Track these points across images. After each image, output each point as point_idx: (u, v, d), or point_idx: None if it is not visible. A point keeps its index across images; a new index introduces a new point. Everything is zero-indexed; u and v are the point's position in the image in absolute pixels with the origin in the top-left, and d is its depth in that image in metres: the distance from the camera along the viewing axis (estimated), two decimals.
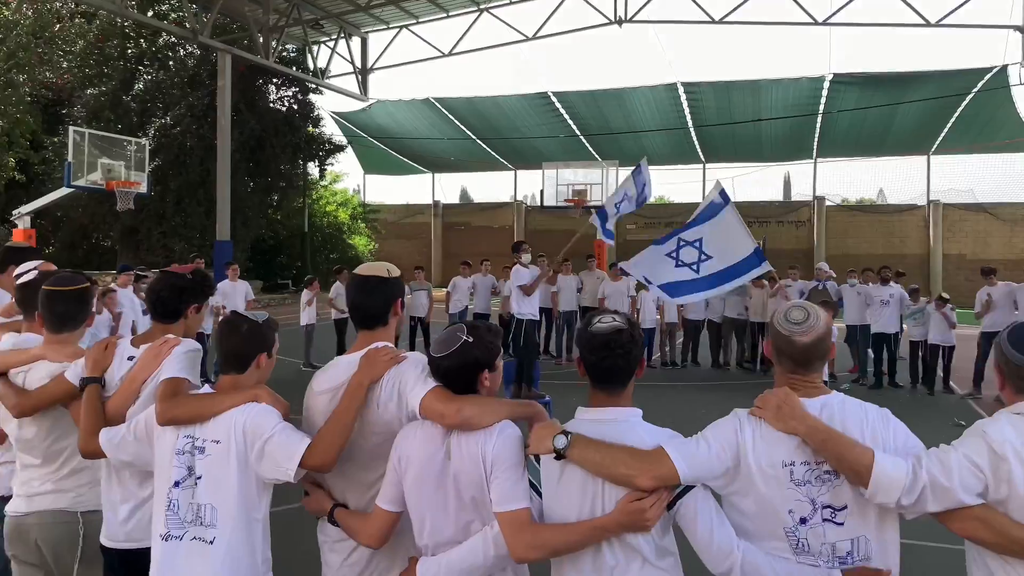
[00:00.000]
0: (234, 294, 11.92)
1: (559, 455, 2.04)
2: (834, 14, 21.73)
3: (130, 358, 2.76)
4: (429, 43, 25.66)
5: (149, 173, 18.33)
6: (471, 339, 2.22)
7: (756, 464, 1.99)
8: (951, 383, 11.34)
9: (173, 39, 24.32)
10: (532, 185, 41.03)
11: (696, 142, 29.86)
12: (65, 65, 23.99)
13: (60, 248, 24.99)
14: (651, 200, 42.26)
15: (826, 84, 24.00)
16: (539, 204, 22.58)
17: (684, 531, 2.04)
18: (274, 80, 26.78)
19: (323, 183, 32.68)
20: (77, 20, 23.95)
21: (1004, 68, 21.71)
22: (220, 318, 11.19)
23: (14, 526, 2.85)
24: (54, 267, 3.67)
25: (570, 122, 28.66)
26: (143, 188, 17.53)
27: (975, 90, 23.28)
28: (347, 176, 42.03)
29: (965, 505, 1.88)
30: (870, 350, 11.88)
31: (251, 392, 2.40)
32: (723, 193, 6.97)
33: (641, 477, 1.96)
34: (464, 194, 41.32)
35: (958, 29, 21.07)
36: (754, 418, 2.04)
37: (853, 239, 30.56)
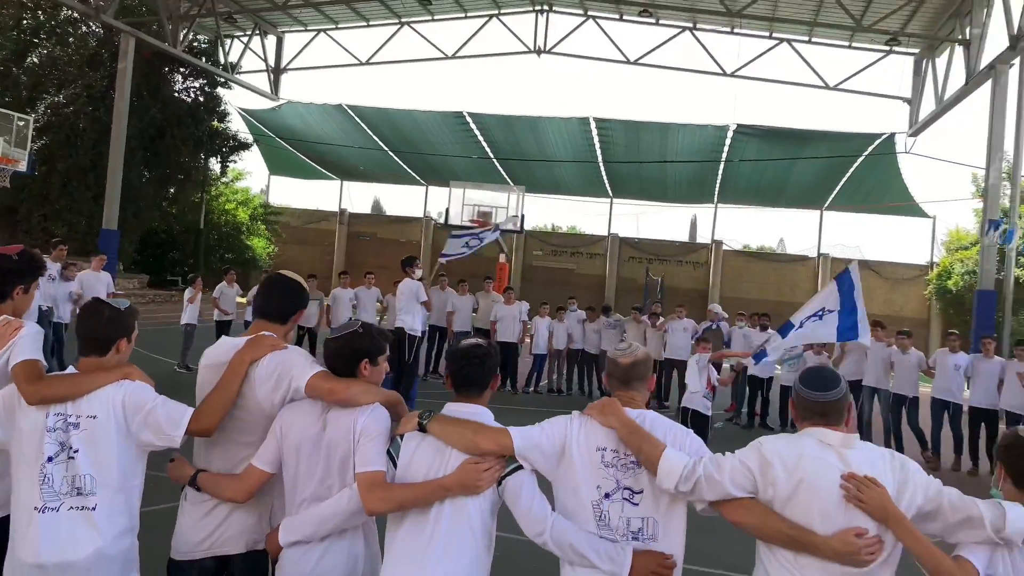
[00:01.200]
0: (96, 284, 11.27)
1: (422, 427, 2.50)
2: (742, 67, 22.70)
3: None
4: (347, 49, 25.36)
5: (33, 151, 17.30)
6: (362, 331, 2.66)
7: (577, 448, 2.46)
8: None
9: (75, 15, 23.10)
10: (442, 202, 40.92)
11: (604, 176, 30.45)
12: None
13: None
14: (562, 229, 42.51)
15: (730, 133, 24.89)
16: (443, 223, 22.43)
17: (508, 503, 2.45)
18: (181, 69, 25.78)
19: (224, 180, 31.58)
20: None
21: (892, 135, 23.08)
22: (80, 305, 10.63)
23: None
24: None
25: (483, 144, 28.73)
26: (23, 166, 16.52)
27: (866, 153, 24.63)
28: (251, 175, 40.89)
29: (735, 497, 2.32)
30: (747, 391, 12.28)
31: (122, 370, 2.60)
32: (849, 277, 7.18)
33: (483, 440, 2.44)
34: (376, 204, 40.80)
35: (854, 95, 22.37)
36: (584, 416, 2.53)
37: (747, 284, 31.74)
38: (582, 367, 13.62)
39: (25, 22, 23.26)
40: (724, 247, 32.76)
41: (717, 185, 29.72)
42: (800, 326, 7.39)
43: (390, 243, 35.04)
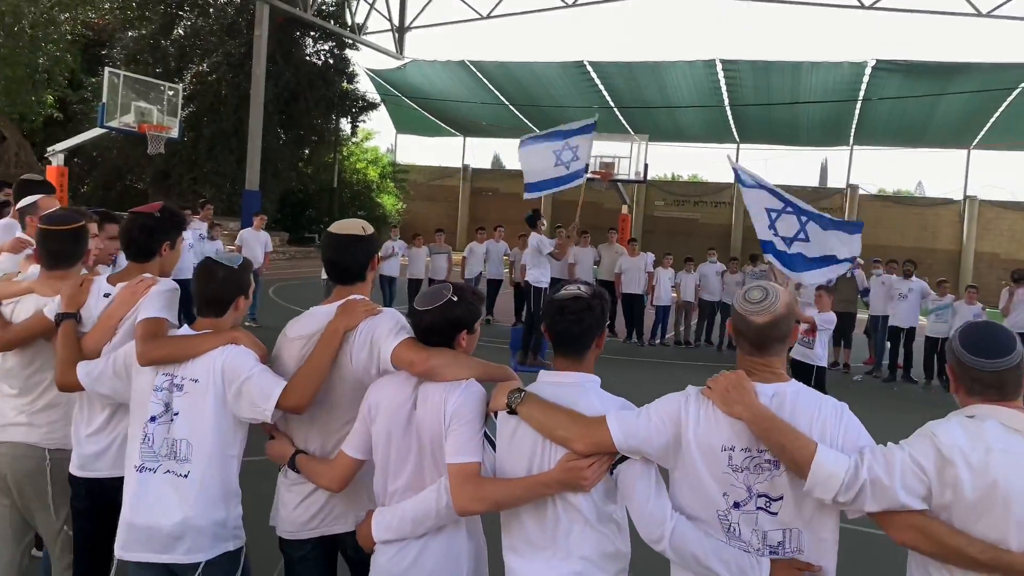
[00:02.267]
0: (254, 242, 12.12)
1: (511, 410, 2.13)
2: None
3: (106, 295, 2.80)
4: (468, 4, 25.49)
5: (182, 119, 18.51)
6: (456, 298, 2.28)
7: (696, 443, 1.98)
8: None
9: None
10: None
11: (731, 121, 29.46)
12: (107, 6, 24.15)
13: (94, 188, 25.35)
14: (683, 177, 41.63)
15: (868, 70, 23.52)
16: None
17: (622, 497, 2.09)
18: (311, 33, 26.77)
19: (354, 140, 32.75)
20: None
21: None
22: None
23: None
24: (57, 203, 3.77)
25: (604, 93, 28.38)
26: (175, 133, 17.69)
27: (1022, 85, 22.67)
28: (378, 134, 42.05)
29: (904, 508, 1.85)
30: (888, 343, 11.81)
31: (230, 334, 2.48)
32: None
33: (577, 442, 2.03)
34: (496, 160, 41.26)
35: (1009, 21, 20.52)
36: (703, 397, 2.02)
37: (885, 230, 30.08)
38: (714, 319, 13.47)
39: None
40: (860, 191, 31.13)
41: (853, 126, 28.19)
42: (788, 244, 7.05)
43: (512, 197, 35.33)
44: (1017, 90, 23.06)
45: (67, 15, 21.11)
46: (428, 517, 2.23)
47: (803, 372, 7.57)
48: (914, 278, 11.52)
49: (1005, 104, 24.25)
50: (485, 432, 2.24)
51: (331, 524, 2.51)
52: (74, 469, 2.76)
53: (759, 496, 1.94)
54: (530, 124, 33.05)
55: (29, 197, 3.87)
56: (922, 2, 21.53)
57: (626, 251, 13.57)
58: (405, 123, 35.80)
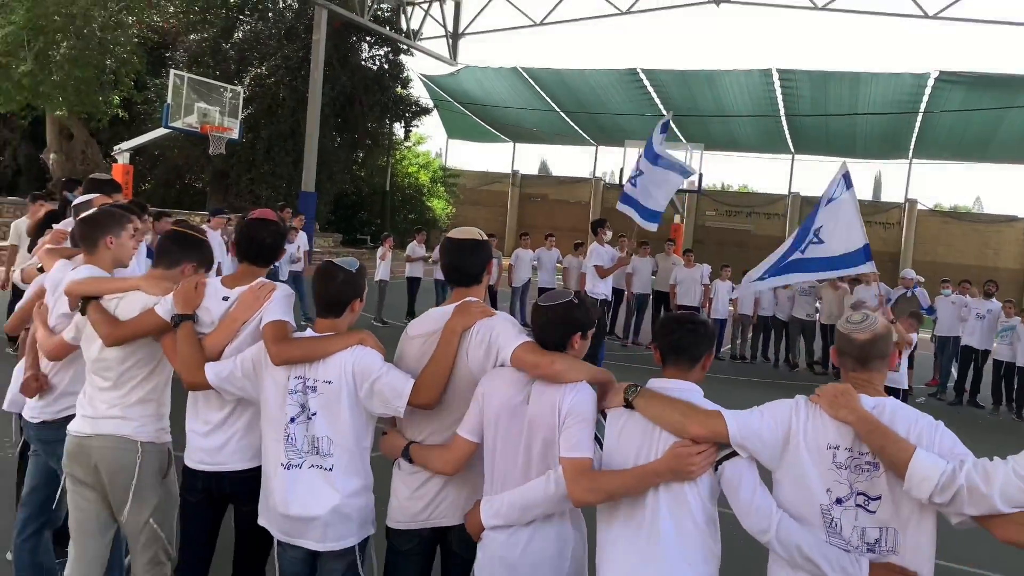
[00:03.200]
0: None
1: (628, 403, 2.29)
2: (946, 8, 20.73)
3: (224, 298, 2.87)
4: (521, 11, 25.53)
5: (242, 120, 18.87)
6: (577, 301, 2.47)
7: (804, 442, 2.14)
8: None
9: None
10: (612, 162, 40.70)
11: (787, 131, 29.04)
12: (172, 10, 24.73)
13: (155, 185, 25.93)
14: (732, 188, 41.05)
15: (930, 81, 23.00)
16: (618, 182, 22.32)
17: (726, 493, 2.19)
18: (367, 38, 27.04)
19: (407, 144, 33.05)
20: None
21: None
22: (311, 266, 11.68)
23: (76, 445, 2.92)
24: (115, 201, 3.84)
25: (657, 101, 28.20)
26: (235, 134, 18.08)
27: None
28: (430, 139, 42.38)
29: (1005, 513, 1.91)
30: (954, 365, 11.47)
31: (357, 335, 2.63)
32: (847, 176, 6.68)
33: (694, 425, 2.18)
34: (543, 166, 41.25)
35: None
36: (812, 403, 2.19)
37: (944, 247, 29.36)
38: (769, 334, 13.24)
39: (232, 0, 25.23)
40: (919, 206, 30.40)
41: (913, 139, 27.56)
42: (803, 250, 6.65)
43: (560, 204, 35.38)
44: None
45: (134, 18, 21.67)
46: (537, 505, 2.36)
47: (891, 395, 7.35)
48: (993, 299, 11.16)
49: None
50: (595, 434, 2.35)
51: (441, 516, 2.64)
52: (192, 463, 2.87)
53: (859, 494, 2.08)
54: (580, 131, 33.05)
55: (84, 196, 3.95)
56: (988, 12, 20.98)
57: (682, 262, 13.39)
58: (456, 128, 36.03)
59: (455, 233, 2.77)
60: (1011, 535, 1.92)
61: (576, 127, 32.71)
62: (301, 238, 12.59)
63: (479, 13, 26.07)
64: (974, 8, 21.16)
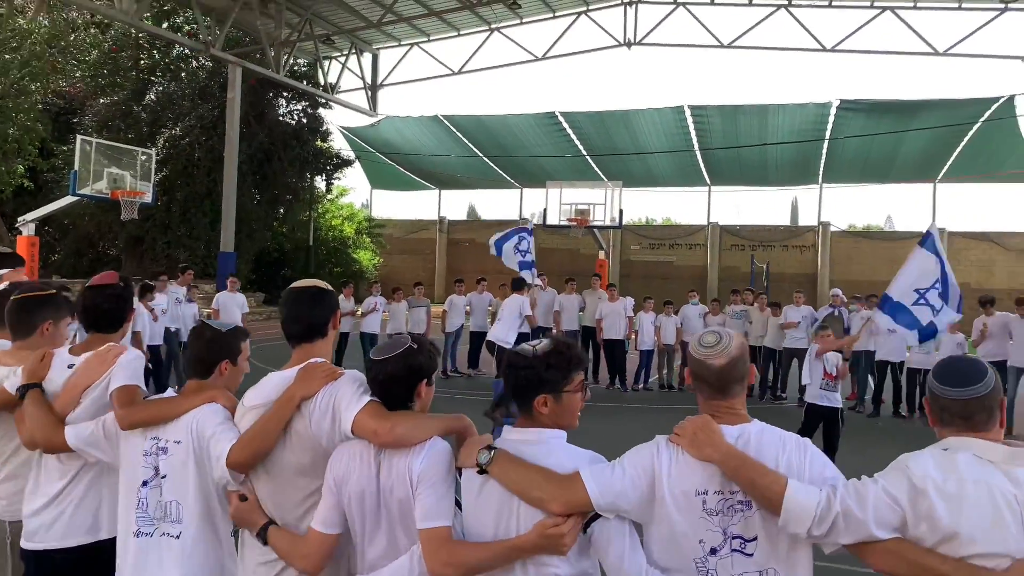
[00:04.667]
0: (231, 305, 12.04)
1: (481, 470, 2.08)
2: (842, 41, 21.88)
3: (70, 366, 2.80)
4: (439, 61, 25.92)
5: (156, 183, 18.46)
6: (415, 346, 2.25)
7: (670, 491, 1.97)
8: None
9: (186, 51, 24.56)
10: (538, 204, 41.22)
11: (702, 164, 29.92)
12: (78, 74, 24.23)
13: (65, 256, 25.07)
14: (656, 221, 42.10)
15: (833, 109, 24.07)
16: (543, 222, 22.54)
17: (597, 554, 2.06)
18: (284, 94, 26.99)
19: (329, 197, 32.84)
20: (92, 30, 24.21)
21: (1012, 98, 21.78)
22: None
23: None
24: (24, 276, 3.72)
25: (576, 142, 28.79)
26: (148, 198, 17.61)
27: (982, 119, 23.31)
28: (354, 191, 42.24)
29: (879, 539, 1.85)
30: (870, 377, 11.83)
31: (208, 394, 2.51)
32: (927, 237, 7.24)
33: (554, 503, 1.98)
34: (472, 211, 41.50)
35: (966, 59, 21.18)
36: (672, 444, 2.02)
37: (857, 265, 30.50)
38: None
39: (143, 62, 24.86)
40: (831, 228, 31.59)
41: (821, 164, 28.74)
42: (920, 300, 7.05)
43: (486, 248, 35.46)
44: (977, 124, 23.68)
45: (37, 84, 21.12)
46: None
47: (826, 415, 7.31)
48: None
49: (967, 138, 24.87)
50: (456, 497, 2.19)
51: None
52: (25, 543, 2.73)
53: (734, 538, 1.94)
54: (504, 175, 33.41)
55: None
56: (881, 43, 22.21)
57: (606, 296, 13.55)
58: (380, 178, 36.00)
59: (296, 284, 2.53)
60: (886, 564, 1.86)
61: (500, 171, 33.06)
62: (238, 300, 12.40)
63: (397, 64, 26.33)
64: (868, 40, 22.38)
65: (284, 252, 29.95)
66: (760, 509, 1.92)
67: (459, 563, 2.06)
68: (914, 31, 20.84)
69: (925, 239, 7.60)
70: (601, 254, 22.23)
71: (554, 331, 13.85)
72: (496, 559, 2.05)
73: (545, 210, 22.49)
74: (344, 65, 25.44)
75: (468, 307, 14.19)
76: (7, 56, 19.96)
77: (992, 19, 20.35)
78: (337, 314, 2.52)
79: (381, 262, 33.95)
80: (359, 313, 14.20)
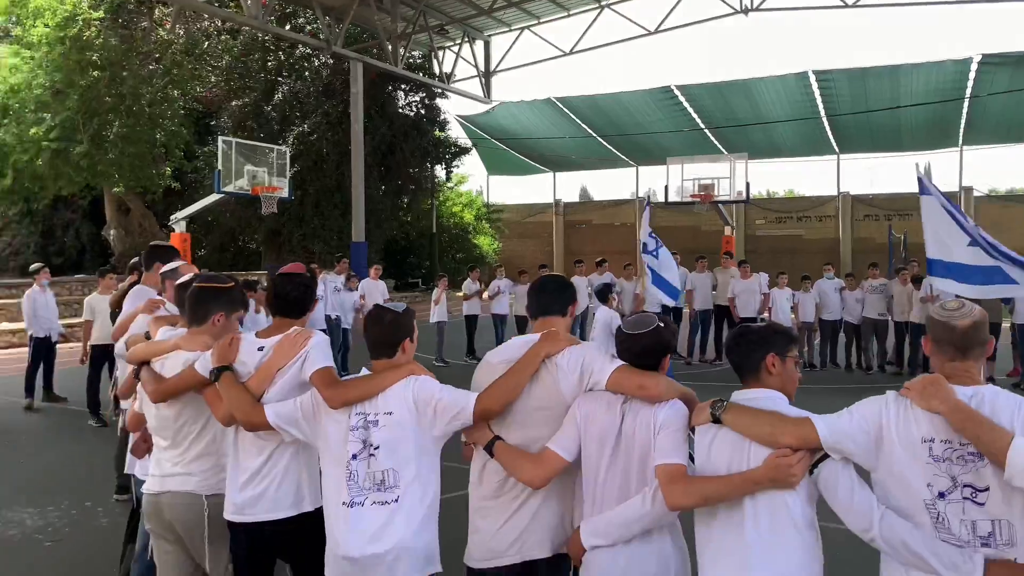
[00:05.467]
0: (374, 291, 12.71)
1: (715, 419, 2.32)
2: None
3: (259, 348, 2.98)
4: (550, 43, 25.84)
5: (290, 178, 19.38)
6: (663, 324, 2.62)
7: (897, 438, 2.09)
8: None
9: (309, 50, 25.55)
10: (654, 181, 40.58)
11: (829, 132, 28.58)
12: (213, 80, 25.66)
13: (211, 250, 26.72)
14: (779, 194, 40.57)
15: (974, 65, 22.44)
16: (663, 200, 22.20)
17: (825, 496, 2.17)
18: (403, 86, 27.64)
19: (449, 185, 33.47)
20: (223, 37, 25.56)
21: None
22: (364, 311, 12.14)
23: (150, 504, 3.08)
24: (194, 268, 4.01)
25: (694, 115, 28.08)
26: (285, 192, 18.55)
27: None
28: (471, 177, 42.96)
29: None
30: None
31: (408, 367, 2.71)
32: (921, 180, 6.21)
33: (784, 436, 2.17)
34: (584, 192, 41.30)
35: None
36: (902, 398, 2.14)
37: (1007, 232, 28.37)
38: (837, 338, 12.93)
39: (270, 63, 26.06)
40: (975, 193, 29.55)
41: (962, 126, 26.87)
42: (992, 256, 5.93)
43: (604, 227, 35.31)
44: None
45: (179, 92, 22.54)
46: (638, 520, 2.42)
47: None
48: None
49: None
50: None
51: (531, 549, 2.62)
52: (230, 515, 2.92)
53: (965, 486, 2.01)
54: (619, 154, 33.05)
55: (172, 263, 4.12)
56: None
57: (738, 273, 13.22)
58: (496, 164, 36.38)
59: (549, 274, 3.16)
60: None
61: (615, 150, 32.72)
62: (380, 286, 12.96)
63: (509, 49, 26.45)
64: None
65: (410, 240, 30.82)
66: (992, 462, 1.97)
67: (695, 491, 2.30)
68: None
69: (921, 190, 6.17)
70: (727, 230, 21.71)
71: (685, 310, 13.68)
72: (729, 490, 2.24)
73: (666, 187, 22.17)
74: (458, 54, 25.79)
75: (589, 288, 14.17)
76: (151, 67, 21.41)
77: None
78: (576, 303, 2.95)
79: (501, 247, 34.38)
80: (485, 296, 14.49)
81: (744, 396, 2.38)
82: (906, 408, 2.11)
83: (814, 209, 31.95)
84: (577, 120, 29.65)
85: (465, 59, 26.01)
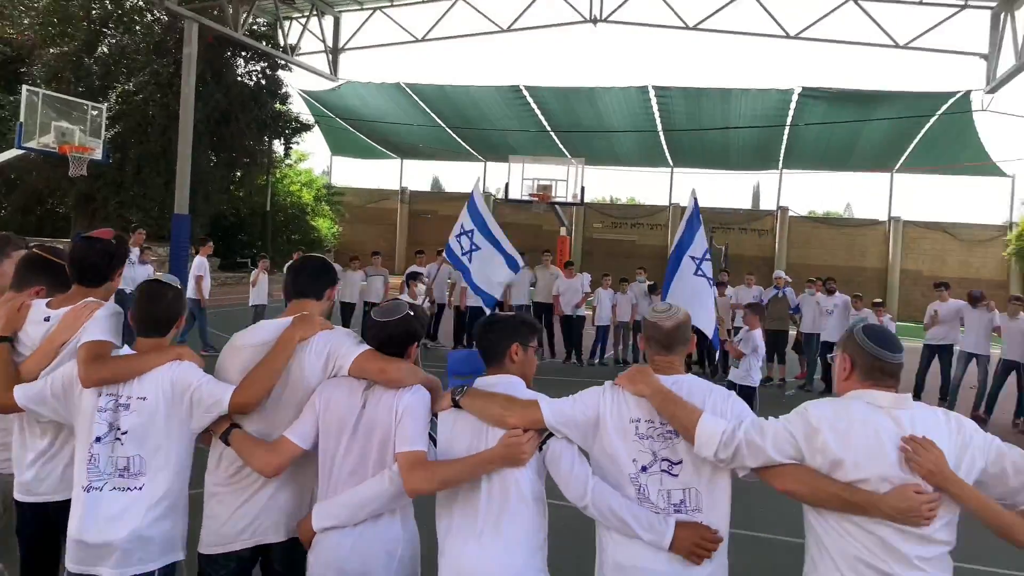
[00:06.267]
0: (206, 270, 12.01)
1: (455, 403, 2.47)
2: (806, 28, 21.94)
3: (46, 319, 2.80)
4: (403, 27, 25.39)
5: (107, 140, 17.90)
6: (412, 313, 2.62)
7: (610, 420, 2.38)
8: None
9: (140, 3, 23.72)
10: (502, 178, 41.06)
11: (665, 146, 29.98)
12: (27, 22, 23.27)
13: (12, 211, 24.25)
14: (621, 200, 42.10)
15: (795, 96, 24.21)
16: (505, 197, 22.43)
17: (549, 468, 2.42)
18: (242, 53, 26.27)
19: (288, 162, 32.21)
20: None
21: (967, 93, 22.10)
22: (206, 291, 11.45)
23: None
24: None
25: (541, 117, 28.57)
26: (98, 155, 17.07)
27: (939, 112, 23.68)
28: (312, 156, 41.63)
29: (779, 463, 2.17)
30: (819, 358, 12.07)
31: (175, 351, 2.61)
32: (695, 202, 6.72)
33: (512, 416, 2.39)
34: (435, 182, 41.14)
35: (926, 53, 21.41)
36: (616, 386, 2.44)
37: (815, 250, 31.00)
38: None
39: (94, 12, 23.96)
40: (790, 213, 32.00)
41: (782, 150, 29.01)
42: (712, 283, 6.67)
43: (451, 220, 35.23)
44: (934, 117, 24.06)
45: None
46: (372, 501, 2.45)
47: (744, 394, 7.58)
48: (837, 294, 11.95)
49: (924, 130, 25.28)
50: (429, 433, 2.52)
51: (265, 532, 2.60)
52: (19, 495, 2.80)
53: (663, 460, 2.32)
54: (466, 146, 33.11)
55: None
56: (844, 33, 22.33)
57: (562, 273, 13.59)
58: (340, 145, 35.43)
59: (308, 255, 3.00)
60: (787, 485, 2.16)
61: (463, 143, 32.74)
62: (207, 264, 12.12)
63: (359, 28, 25.75)
64: (831, 29, 22.46)
65: (241, 217, 29.37)
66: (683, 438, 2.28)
67: (434, 477, 2.40)
68: (876, 23, 20.97)
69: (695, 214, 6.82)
70: (563, 230, 22.23)
71: (504, 305, 13.85)
72: (467, 472, 2.39)
73: (507, 184, 22.42)
74: (305, 27, 24.79)
75: (427, 279, 14.03)
76: None
77: (952, 15, 20.56)
78: (335, 288, 2.92)
79: (340, 231, 33.53)
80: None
81: (486, 382, 2.54)
82: (619, 395, 2.41)
83: (648, 217, 33.46)
84: (426, 108, 29.37)
85: (313, 32, 25.06)
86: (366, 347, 2.60)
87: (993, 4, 20.06)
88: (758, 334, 8.06)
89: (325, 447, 2.52)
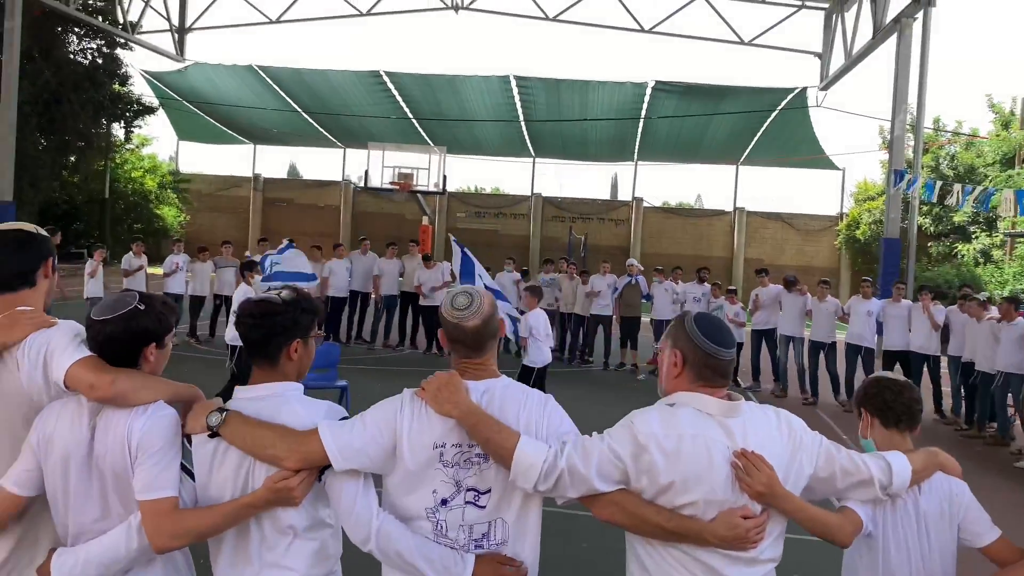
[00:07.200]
0: None
1: (212, 433, 1.99)
2: (659, 23, 22.76)
3: None
4: (255, 7, 24.26)
5: None
6: (143, 307, 2.06)
7: (410, 443, 1.99)
8: (737, 377, 12.17)
9: None
10: (361, 165, 40.26)
11: (527, 136, 30.30)
12: None
13: None
14: (485, 190, 42.36)
15: (648, 90, 25.05)
16: (363, 185, 21.94)
17: (330, 499, 2.03)
18: (75, 29, 24.26)
19: (129, 146, 30.11)
20: None
21: (804, 90, 23.64)
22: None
23: None
24: None
25: (402, 104, 28.12)
26: None
27: (779, 107, 25.18)
28: (158, 140, 39.20)
29: (602, 491, 1.96)
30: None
31: None
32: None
33: (289, 459, 1.96)
34: (292, 169, 39.76)
35: (767, 50, 22.74)
36: (417, 399, 2.04)
37: (667, 240, 32.34)
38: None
39: None
40: (644, 204, 33.20)
41: (637, 142, 29.98)
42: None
43: (308, 208, 34.27)
44: (775, 112, 25.59)
45: None
46: (117, 561, 1.98)
47: (528, 374, 8.02)
48: (705, 284, 12.58)
49: (766, 125, 26.84)
50: (183, 463, 2.05)
51: None
52: None
53: (468, 490, 2.01)
54: (324, 132, 32.15)
55: None
56: (695, 28, 23.35)
57: (422, 264, 13.48)
58: (188, 129, 33.48)
59: (3, 225, 2.24)
60: (608, 515, 1.98)
61: (320, 128, 31.74)
62: None
63: (208, 7, 24.39)
64: (683, 25, 23.45)
65: (75, 205, 27.19)
66: (496, 464, 1.99)
67: (185, 532, 1.96)
68: (723, 19, 22.07)
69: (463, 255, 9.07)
70: (425, 220, 22.02)
71: (373, 296, 13.60)
72: (226, 520, 1.98)
73: (367, 172, 21.94)
74: (147, 3, 23.23)
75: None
76: None
77: (790, 15, 21.94)
78: (50, 262, 2.26)
79: (188, 219, 31.76)
80: (163, 274, 13.17)
81: (251, 395, 2.08)
82: (420, 411, 2.02)
83: (510, 207, 33.78)
84: (281, 92, 28.21)
85: (156, 10, 23.51)
86: (85, 351, 2.04)
87: (826, 5, 21.54)
88: (534, 315, 8.33)
89: (55, 492, 2.01)
